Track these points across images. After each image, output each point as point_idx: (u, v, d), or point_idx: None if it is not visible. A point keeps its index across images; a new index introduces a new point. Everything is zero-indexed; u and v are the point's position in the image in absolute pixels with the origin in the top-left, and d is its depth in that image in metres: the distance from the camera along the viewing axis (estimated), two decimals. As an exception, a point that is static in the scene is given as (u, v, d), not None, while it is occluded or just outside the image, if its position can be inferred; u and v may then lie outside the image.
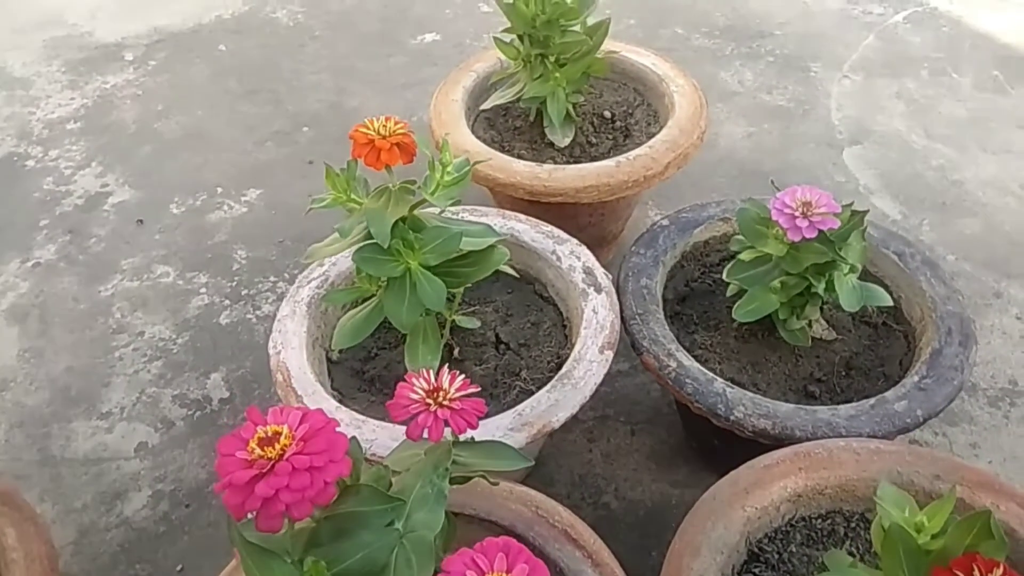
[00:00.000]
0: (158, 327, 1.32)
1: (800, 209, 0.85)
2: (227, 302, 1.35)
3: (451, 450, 0.68)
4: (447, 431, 0.66)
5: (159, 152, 1.65)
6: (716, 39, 1.89)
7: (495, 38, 1.19)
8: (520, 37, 1.17)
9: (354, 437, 0.67)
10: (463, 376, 0.68)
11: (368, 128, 0.84)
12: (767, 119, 1.65)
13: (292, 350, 0.94)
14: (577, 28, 1.16)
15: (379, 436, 0.83)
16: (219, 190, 1.56)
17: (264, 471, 0.57)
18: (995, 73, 1.76)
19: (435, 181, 0.86)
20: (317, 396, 0.89)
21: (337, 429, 0.60)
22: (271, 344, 0.95)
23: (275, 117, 1.73)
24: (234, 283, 1.38)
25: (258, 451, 0.58)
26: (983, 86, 1.73)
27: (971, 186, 1.49)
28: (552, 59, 1.16)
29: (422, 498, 0.65)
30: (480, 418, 0.67)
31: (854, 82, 1.76)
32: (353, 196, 0.87)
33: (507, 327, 1.00)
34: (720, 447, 0.96)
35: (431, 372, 0.68)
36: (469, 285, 0.91)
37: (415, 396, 0.67)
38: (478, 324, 0.98)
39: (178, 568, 1.03)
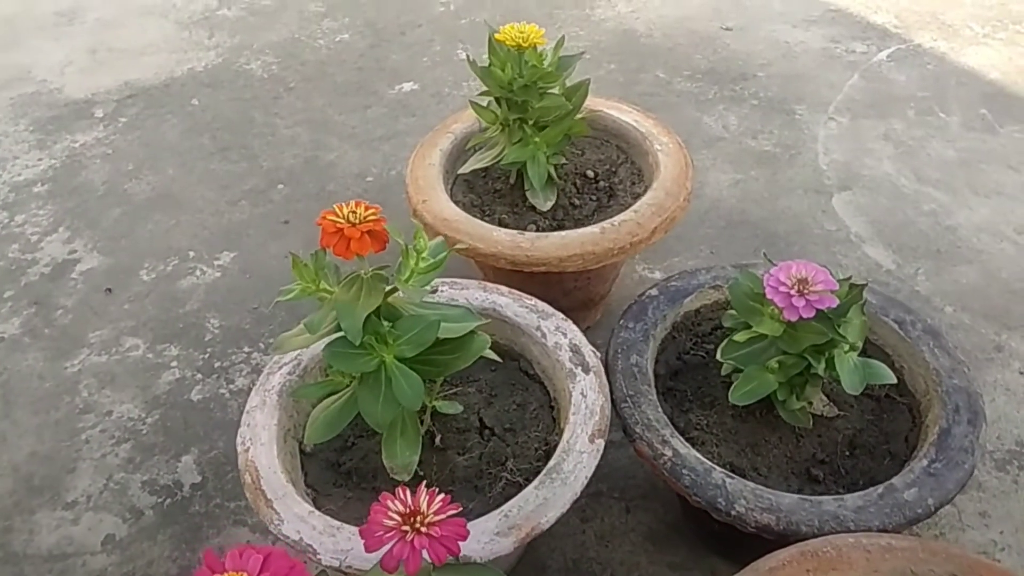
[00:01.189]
0: (127, 405, 1.25)
1: (796, 287, 0.81)
2: (199, 376, 1.29)
3: (432, 580, 0.62)
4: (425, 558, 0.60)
5: (129, 215, 1.59)
6: (698, 82, 1.87)
7: (471, 102, 1.15)
8: (498, 100, 1.13)
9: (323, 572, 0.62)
10: (441, 496, 0.63)
11: (337, 216, 0.79)
12: (753, 165, 1.62)
13: (262, 446, 0.88)
14: (556, 91, 1.12)
15: (355, 545, 0.78)
16: (191, 254, 1.50)
17: (225, 626, 0.52)
18: (983, 111, 1.73)
19: (409, 268, 0.81)
20: (288, 499, 0.83)
21: (304, 561, 0.55)
22: (239, 440, 0.90)
23: (249, 174, 1.68)
24: (206, 355, 1.33)
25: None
26: (971, 125, 1.70)
27: (965, 232, 1.46)
28: (531, 123, 1.11)
29: (401, 637, 0.59)
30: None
31: (840, 124, 1.73)
32: (323, 286, 0.81)
33: (491, 409, 0.95)
34: (721, 530, 0.91)
35: (407, 492, 0.63)
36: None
37: (390, 523, 0.62)
38: (460, 409, 0.92)
39: (146, 678, 0.96)
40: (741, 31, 2.04)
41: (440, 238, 0.87)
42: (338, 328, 0.80)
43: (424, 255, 0.81)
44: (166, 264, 1.49)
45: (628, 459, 1.13)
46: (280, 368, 0.96)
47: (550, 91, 1.11)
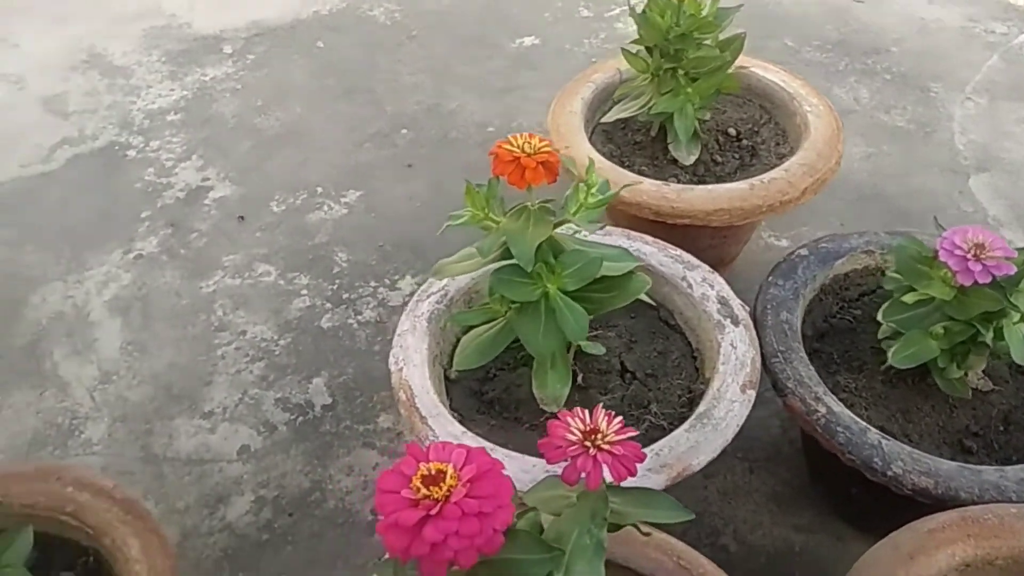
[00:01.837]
0: (260, 327, 1.30)
1: (972, 251, 0.79)
2: (328, 305, 1.34)
3: (608, 498, 0.64)
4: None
5: (259, 148, 1.64)
6: (828, 53, 1.82)
7: (623, 49, 1.15)
8: (649, 49, 1.13)
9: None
10: (619, 418, 0.64)
11: (512, 145, 0.80)
12: (886, 140, 1.57)
13: (414, 367, 0.91)
14: (710, 43, 1.11)
15: (509, 468, 0.80)
16: (319, 190, 1.54)
17: (431, 513, 0.54)
18: None
19: (578, 202, 0.82)
20: (442, 419, 0.85)
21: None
22: (392, 360, 0.92)
23: (374, 118, 1.71)
24: (335, 286, 1.37)
25: (423, 490, 0.55)
26: (1120, 114, 1.62)
27: (1111, 223, 1.40)
28: (683, 73, 1.10)
29: (581, 549, 0.61)
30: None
31: (978, 105, 1.66)
32: (491, 215, 0.83)
33: (632, 355, 0.96)
34: (859, 496, 0.90)
35: (586, 412, 0.65)
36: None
37: (572, 437, 0.63)
38: (603, 351, 0.94)
39: (281, 580, 1.01)
40: (874, 4, 1.97)
41: (605, 178, 0.87)
42: (503, 257, 0.82)
43: (593, 191, 0.82)
44: (295, 197, 1.53)
45: (752, 421, 1.12)
46: (428, 297, 0.99)
47: (705, 42, 1.10)
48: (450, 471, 0.56)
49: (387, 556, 0.68)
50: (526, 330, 0.82)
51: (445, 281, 1.00)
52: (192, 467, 1.13)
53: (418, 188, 1.54)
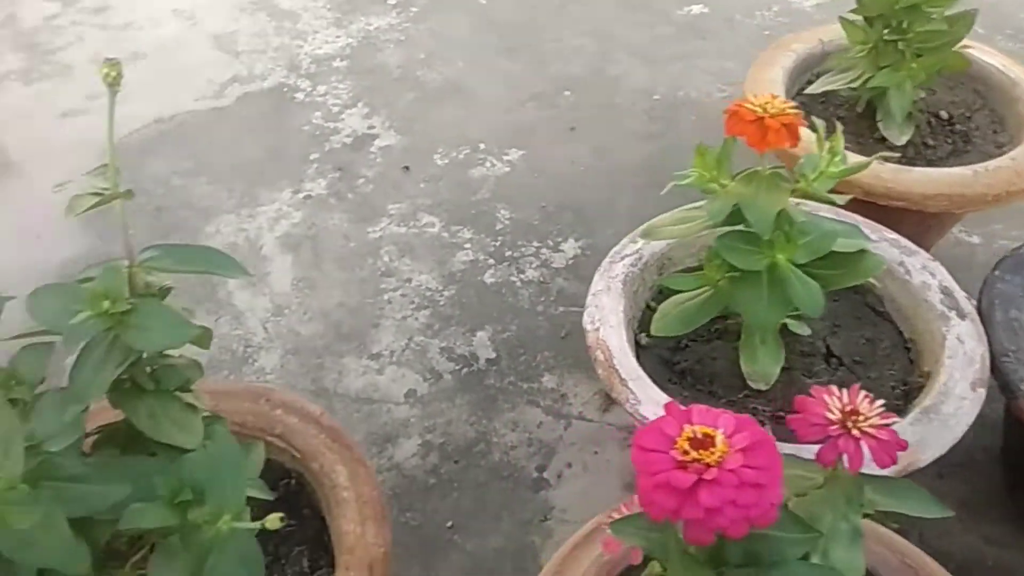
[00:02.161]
0: (424, 276, 1.31)
1: None
2: (491, 261, 1.33)
3: (863, 484, 0.60)
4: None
5: (423, 100, 1.65)
6: (1022, 43, 1.69)
7: (842, 19, 1.09)
8: (868, 20, 1.06)
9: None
10: (881, 403, 0.61)
11: (754, 104, 0.76)
12: (1091, 139, 1.46)
13: (611, 328, 0.89)
14: (936, 16, 1.04)
15: (721, 439, 0.77)
16: (482, 146, 1.54)
17: (705, 477, 0.52)
18: None
19: (819, 170, 0.78)
20: (643, 383, 0.83)
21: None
22: (587, 318, 0.91)
23: (535, 78, 1.69)
24: (498, 243, 1.36)
25: (692, 453, 0.53)
26: None
27: None
28: (907, 47, 1.04)
29: (838, 534, 0.58)
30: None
31: None
32: (720, 178, 0.80)
33: (837, 339, 0.91)
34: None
35: (843, 391, 0.61)
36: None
37: (832, 416, 0.60)
38: (809, 331, 0.89)
39: (448, 524, 1.02)
40: (1075, -8, 1.82)
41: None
42: (730, 222, 0.79)
43: (837, 160, 0.77)
44: (458, 152, 1.53)
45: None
46: (622, 259, 0.97)
47: (933, 16, 1.03)
48: (719, 437, 0.54)
49: (616, 513, 0.67)
50: (747, 301, 0.79)
51: (640, 244, 0.98)
52: (361, 405, 1.15)
53: (580, 151, 1.52)
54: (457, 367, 1.19)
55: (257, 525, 0.55)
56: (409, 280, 1.31)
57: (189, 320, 0.58)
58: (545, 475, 1.07)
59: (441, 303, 1.28)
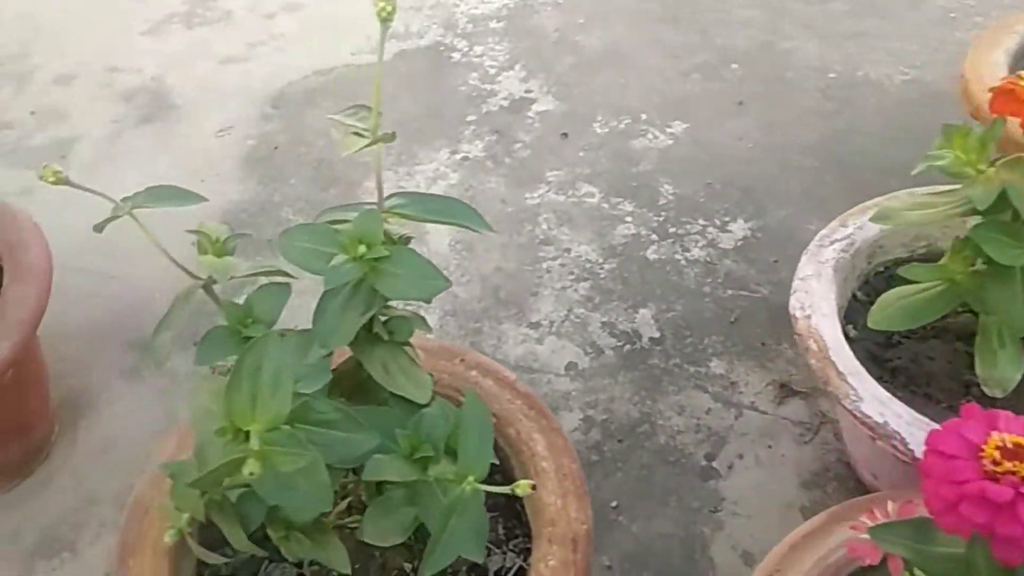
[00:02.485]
0: (584, 247, 1.27)
1: None
2: (654, 237, 1.28)
3: None
4: None
5: (581, 66, 1.60)
6: None
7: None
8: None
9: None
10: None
11: (1030, 82, 0.68)
12: None
13: (823, 316, 0.83)
14: None
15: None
16: (643, 116, 1.48)
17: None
18: None
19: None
20: (862, 378, 0.77)
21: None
22: (795, 304, 0.85)
23: (700, 48, 1.61)
24: (661, 218, 1.31)
25: (1006, 464, 0.47)
26: None
27: None
28: None
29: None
30: None
31: None
32: (979, 163, 0.72)
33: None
34: None
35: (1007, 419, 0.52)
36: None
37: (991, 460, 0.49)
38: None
39: (612, 504, 0.99)
40: None
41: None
42: (990, 211, 0.72)
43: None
44: (618, 121, 1.48)
45: None
46: (832, 243, 0.90)
47: None
48: (1034, 448, 0.48)
49: (867, 519, 0.62)
50: (998, 299, 0.71)
51: (850, 228, 0.91)
52: (521, 373, 1.12)
53: (749, 127, 1.44)
54: (619, 343, 1.15)
55: (504, 489, 0.52)
56: (568, 250, 1.27)
57: (441, 272, 0.55)
58: (714, 464, 1.02)
59: (602, 276, 1.23)
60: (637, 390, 1.09)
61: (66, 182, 0.55)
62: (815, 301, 0.84)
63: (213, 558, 0.58)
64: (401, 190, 1.36)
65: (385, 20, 0.56)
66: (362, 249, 0.54)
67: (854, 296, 0.91)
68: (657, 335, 1.15)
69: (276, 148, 1.46)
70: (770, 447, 1.03)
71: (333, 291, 0.57)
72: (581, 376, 1.12)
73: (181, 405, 1.10)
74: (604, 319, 1.18)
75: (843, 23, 1.64)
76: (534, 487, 0.51)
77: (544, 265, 1.26)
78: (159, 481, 0.73)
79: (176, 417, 1.09)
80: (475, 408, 0.52)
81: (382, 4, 0.54)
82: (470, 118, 1.51)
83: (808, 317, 0.83)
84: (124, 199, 0.58)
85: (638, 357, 1.13)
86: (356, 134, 0.57)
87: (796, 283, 0.87)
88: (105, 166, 1.45)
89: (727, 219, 1.30)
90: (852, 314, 0.89)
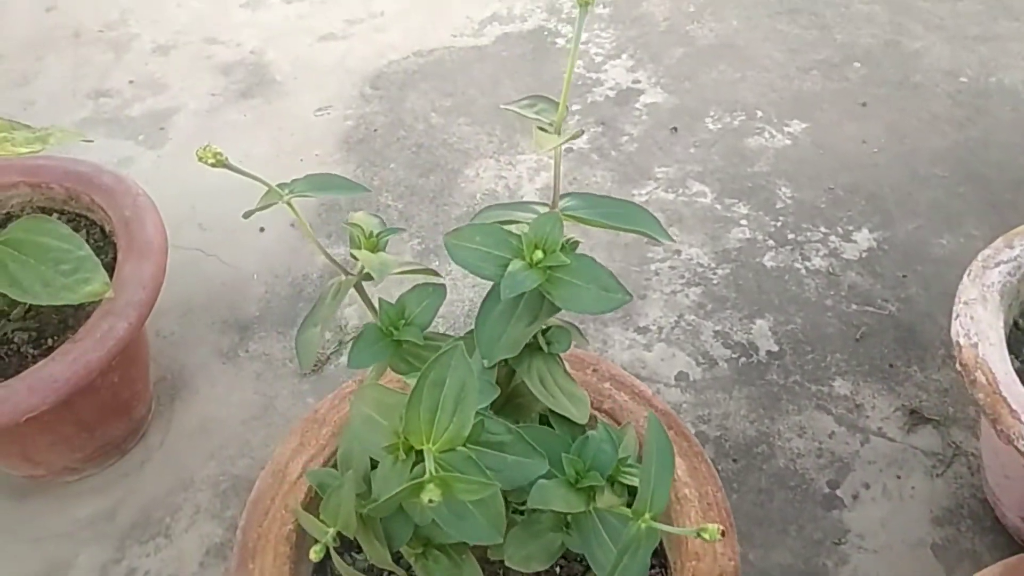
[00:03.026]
0: (695, 250, 1.21)
1: None
2: (771, 243, 1.21)
3: None
4: None
5: (692, 57, 1.53)
6: None
7: None
8: None
9: None
10: None
11: None
12: None
13: (991, 346, 0.76)
14: None
15: None
16: (759, 113, 1.41)
17: None
18: None
19: None
20: (1039, 419, 0.70)
21: None
22: (959, 331, 0.78)
23: (820, 44, 1.53)
24: (778, 223, 1.23)
25: None
26: None
27: None
28: None
29: None
30: None
31: None
32: None
33: None
34: None
35: None
36: None
37: None
38: None
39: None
40: None
41: None
42: None
43: None
44: (732, 117, 1.40)
45: None
46: (996, 265, 0.82)
47: None
48: None
49: None
50: None
51: (1017, 250, 0.83)
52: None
53: (874, 131, 1.36)
54: (734, 355, 1.08)
55: (688, 531, 0.47)
56: (678, 252, 1.21)
57: (623, 285, 0.50)
58: (838, 493, 0.95)
59: (714, 282, 1.17)
60: (754, 407, 1.03)
61: (226, 165, 0.51)
62: (982, 329, 0.77)
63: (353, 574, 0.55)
64: (501, 178, 1.33)
65: (584, 4, 0.50)
66: (539, 255, 0.49)
67: (1016, 324, 0.83)
68: (775, 349, 1.09)
69: (375, 130, 1.42)
70: (899, 478, 0.96)
71: (494, 296, 0.52)
72: (693, 387, 1.06)
73: (278, 390, 1.08)
74: (717, 328, 1.12)
75: (974, 24, 1.53)
76: (723, 533, 0.45)
77: (652, 267, 1.20)
78: (280, 479, 0.69)
79: (272, 404, 1.06)
80: (658, 438, 0.47)
81: (583, -16, 0.48)
82: (574, 107, 1.45)
83: (975, 346, 0.76)
84: (281, 185, 0.54)
85: (755, 371, 1.07)
86: (542, 129, 0.51)
87: (959, 307, 0.80)
88: (203, 139, 1.42)
89: (851, 228, 1.22)
90: (1015, 343, 0.82)
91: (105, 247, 0.93)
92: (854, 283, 1.15)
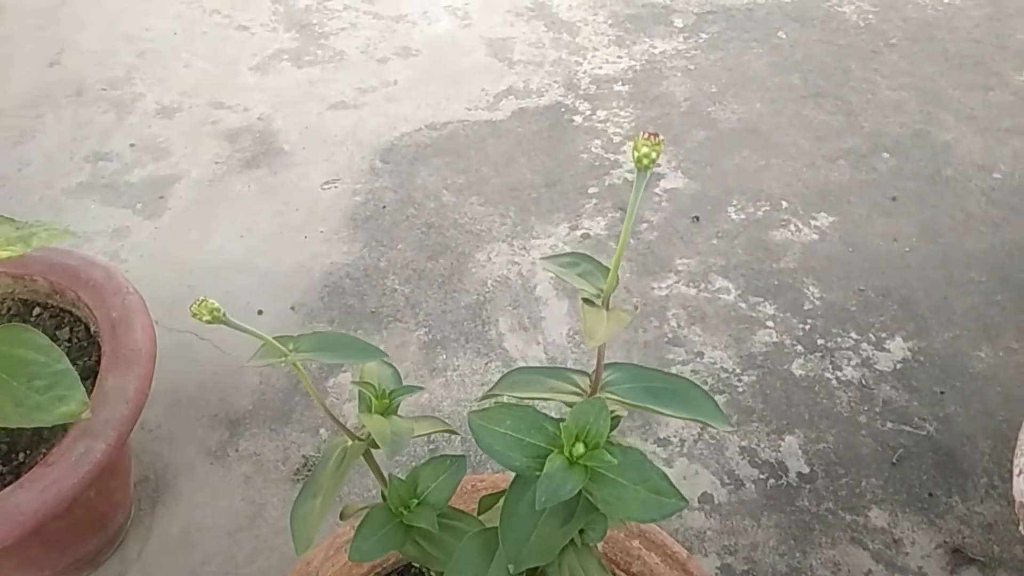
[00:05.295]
0: (719, 352, 1.14)
1: None
2: (799, 348, 1.14)
3: None
4: None
5: (714, 141, 1.48)
6: None
7: None
8: None
9: None
10: None
11: None
12: None
13: (1061, 511, 0.68)
14: None
15: None
16: (784, 204, 1.35)
17: None
18: None
19: None
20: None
21: None
22: (1021, 489, 0.70)
23: (847, 132, 1.48)
24: (807, 326, 1.17)
25: None
26: None
27: None
28: None
29: None
30: None
31: None
32: None
33: None
34: None
35: None
36: None
37: None
38: None
39: None
40: None
41: None
42: None
43: None
44: (756, 207, 1.35)
45: None
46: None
47: None
48: None
49: None
50: None
51: (1083, 396, 0.76)
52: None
53: (905, 228, 1.30)
54: (762, 475, 1.01)
55: None
56: (700, 354, 1.14)
57: (677, 489, 0.43)
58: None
59: (740, 390, 1.10)
60: (784, 537, 0.95)
61: (224, 321, 0.44)
62: (1050, 489, 0.70)
63: None
64: (514, 264, 1.26)
65: (644, 168, 0.43)
66: (579, 448, 0.42)
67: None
68: (806, 470, 1.01)
69: (384, 207, 1.36)
70: (943, 627, 0.88)
71: (521, 486, 0.45)
72: (717, 512, 0.98)
73: (267, 496, 1.00)
74: (743, 443, 1.04)
75: (1006, 116, 1.49)
76: None
77: (674, 370, 1.12)
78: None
79: (261, 513, 0.98)
80: None
81: (645, 149, 0.41)
82: (592, 190, 1.39)
83: (1044, 510, 0.68)
84: (283, 339, 0.47)
85: (784, 496, 0.99)
86: (588, 301, 0.45)
87: (1020, 461, 0.72)
88: (204, 211, 1.37)
89: (884, 335, 1.15)
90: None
91: (89, 348, 0.85)
92: (889, 398, 1.08)
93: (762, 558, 0.93)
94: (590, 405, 0.43)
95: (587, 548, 0.49)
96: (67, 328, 0.87)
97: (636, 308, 0.49)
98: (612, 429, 0.48)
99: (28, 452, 0.78)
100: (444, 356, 1.15)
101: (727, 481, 1.00)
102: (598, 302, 0.45)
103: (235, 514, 0.98)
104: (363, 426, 0.51)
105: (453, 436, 1.04)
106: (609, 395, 0.47)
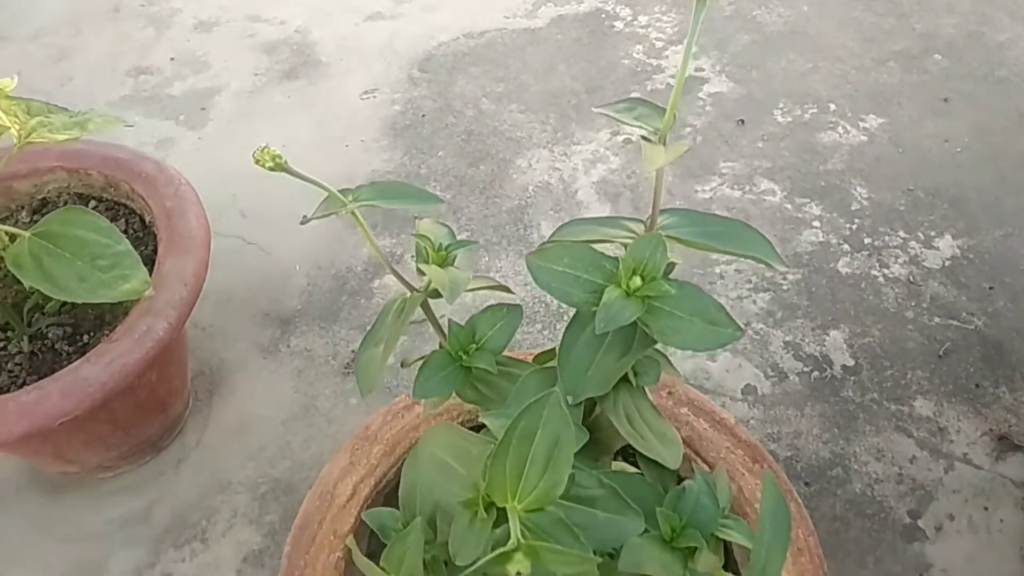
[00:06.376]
0: (763, 253, 1.13)
1: None
2: (846, 247, 1.13)
3: None
4: None
5: (760, 45, 1.44)
6: None
7: None
8: None
9: None
10: None
11: None
12: None
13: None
14: None
15: None
16: (832, 107, 1.32)
17: None
18: None
19: None
20: None
21: None
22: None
23: (898, 33, 1.43)
24: (854, 226, 1.15)
25: None
26: None
27: None
28: None
29: None
30: None
31: None
32: None
33: None
34: None
35: None
36: None
37: None
38: None
39: (800, 560, 0.86)
40: None
41: None
42: None
43: None
44: (803, 110, 1.32)
45: None
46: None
47: None
48: None
49: None
50: None
51: None
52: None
53: (957, 129, 1.26)
54: (806, 368, 1.01)
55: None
56: (746, 254, 1.13)
57: (733, 319, 0.43)
58: (920, 523, 0.88)
59: (784, 288, 1.09)
60: (828, 426, 0.96)
61: (285, 169, 0.45)
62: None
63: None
64: (555, 170, 1.25)
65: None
66: (636, 282, 0.43)
67: None
68: (851, 363, 1.01)
69: (423, 115, 1.36)
70: (986, 509, 0.89)
71: (579, 323, 0.46)
72: (761, 402, 0.99)
73: (319, 389, 1.03)
74: (788, 338, 1.04)
75: (1069, 13, 1.43)
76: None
77: (717, 270, 1.12)
78: (327, 502, 0.64)
79: (313, 404, 1.01)
80: (774, 505, 0.41)
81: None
82: (634, 95, 1.37)
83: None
84: (344, 191, 0.48)
85: (828, 387, 0.99)
86: (646, 139, 0.44)
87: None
88: (245, 122, 1.38)
89: (932, 234, 1.13)
90: None
91: (144, 238, 0.88)
92: (936, 294, 1.07)
93: (805, 445, 0.94)
94: (647, 240, 0.44)
95: (641, 391, 0.50)
96: (122, 220, 0.90)
97: (690, 144, 0.49)
98: (670, 271, 0.49)
99: (92, 333, 0.81)
100: (487, 259, 1.16)
101: (771, 374, 1.01)
102: (655, 139, 0.45)
103: (289, 405, 1.02)
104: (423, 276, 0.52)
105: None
106: (668, 237, 0.47)
